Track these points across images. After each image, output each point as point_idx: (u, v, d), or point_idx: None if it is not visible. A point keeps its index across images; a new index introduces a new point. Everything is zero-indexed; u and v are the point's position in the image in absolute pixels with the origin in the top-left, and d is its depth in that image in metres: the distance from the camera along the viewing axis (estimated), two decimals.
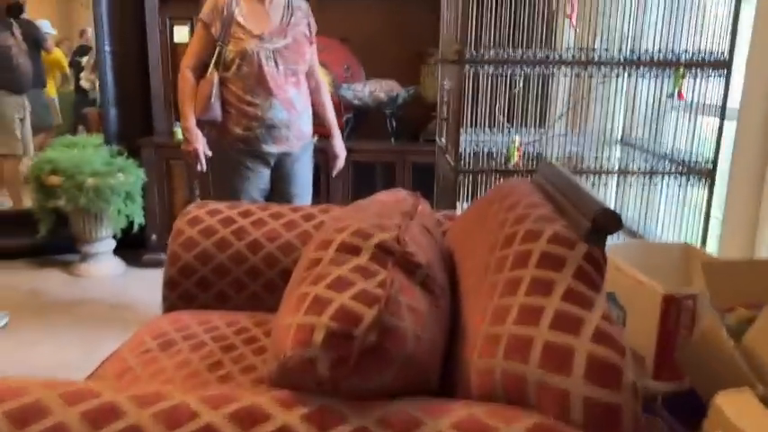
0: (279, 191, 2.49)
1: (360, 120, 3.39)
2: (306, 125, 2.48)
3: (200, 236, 1.65)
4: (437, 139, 2.58)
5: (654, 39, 1.90)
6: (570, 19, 1.99)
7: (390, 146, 3.27)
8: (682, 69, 1.83)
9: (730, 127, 1.77)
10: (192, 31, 3.27)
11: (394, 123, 3.29)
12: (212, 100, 2.29)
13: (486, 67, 1.78)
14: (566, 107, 2.09)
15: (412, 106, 3.35)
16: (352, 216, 1.11)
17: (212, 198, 2.27)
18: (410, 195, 1.50)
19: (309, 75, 2.49)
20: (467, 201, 2.13)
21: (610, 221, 0.91)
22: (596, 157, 2.03)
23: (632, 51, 1.86)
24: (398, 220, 1.08)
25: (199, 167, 2.43)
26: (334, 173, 2.71)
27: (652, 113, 2.03)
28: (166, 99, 3.33)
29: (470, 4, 1.75)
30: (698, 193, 1.88)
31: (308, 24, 2.46)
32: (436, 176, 2.66)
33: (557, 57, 1.78)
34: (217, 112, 2.32)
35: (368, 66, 3.47)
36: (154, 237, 3.33)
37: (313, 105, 2.52)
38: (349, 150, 3.19)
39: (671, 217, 1.90)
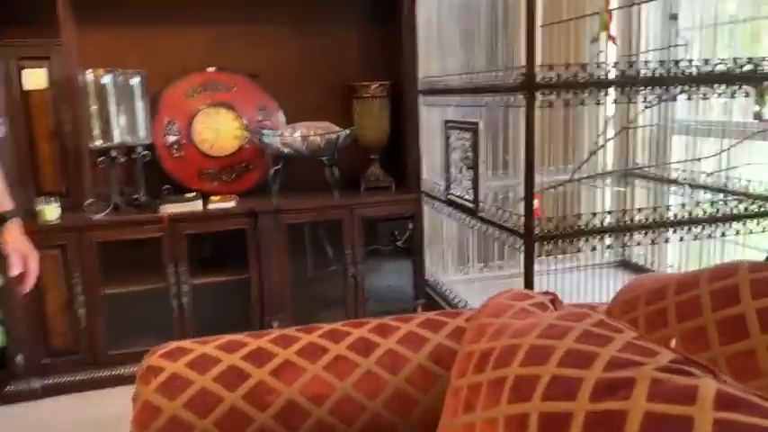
0: None
1: (288, 172, 2.74)
2: None
3: (189, 411, 0.95)
4: (421, 190, 2.05)
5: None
6: (608, 32, 1.58)
7: (334, 200, 2.66)
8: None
9: None
10: (51, 73, 2.43)
11: (335, 172, 2.69)
12: None
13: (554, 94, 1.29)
14: (602, 138, 1.67)
15: (350, 150, 2.79)
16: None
17: None
18: (544, 297, 0.97)
19: None
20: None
21: None
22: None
23: (704, 64, 1.47)
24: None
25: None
26: (27, 288, 1.57)
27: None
28: (21, 166, 2.43)
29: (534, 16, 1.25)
30: None
31: None
32: (426, 232, 2.13)
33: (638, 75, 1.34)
34: None
35: (286, 106, 2.85)
36: (20, 359, 2.38)
37: None
38: (280, 211, 2.56)
39: None
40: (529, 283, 1.36)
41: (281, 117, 2.84)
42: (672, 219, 1.61)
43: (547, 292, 0.99)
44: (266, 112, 2.82)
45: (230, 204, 2.60)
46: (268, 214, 2.56)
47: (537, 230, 1.34)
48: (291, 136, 2.59)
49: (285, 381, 0.99)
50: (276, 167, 2.66)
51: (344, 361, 1.02)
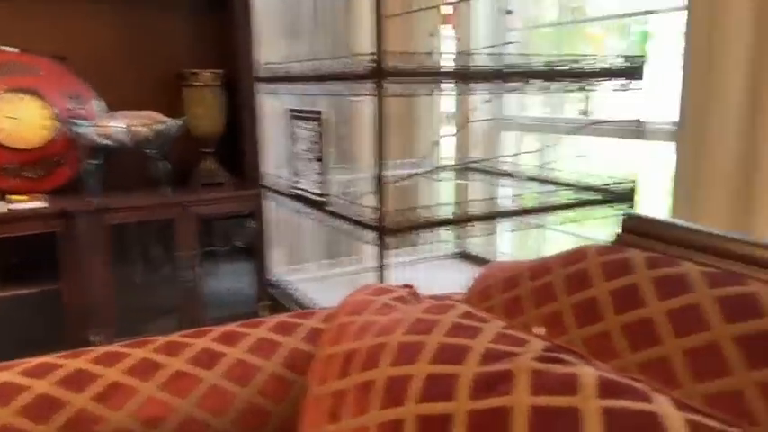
0: None
1: (108, 167, 2.45)
2: None
3: None
4: (262, 185, 1.93)
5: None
6: (452, 25, 1.61)
7: (164, 197, 2.43)
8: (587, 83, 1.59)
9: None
10: None
11: (165, 167, 2.45)
12: None
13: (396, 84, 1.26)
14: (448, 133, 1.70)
15: (181, 143, 2.57)
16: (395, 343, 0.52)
17: None
18: (403, 290, 0.93)
19: None
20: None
21: None
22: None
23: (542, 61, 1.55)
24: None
25: None
26: None
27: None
28: None
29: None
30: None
31: None
32: (268, 229, 2.01)
33: (474, 67, 1.36)
34: None
35: (103, 94, 2.55)
36: None
37: None
38: (100, 211, 2.29)
39: None
40: (382, 277, 1.33)
41: (96, 106, 2.53)
42: (506, 210, 1.67)
43: (405, 285, 0.95)
44: (79, 100, 2.49)
45: (37, 204, 2.26)
46: (85, 215, 2.26)
47: (388, 223, 1.30)
48: (110, 126, 2.31)
49: (112, 406, 0.84)
50: (93, 162, 2.36)
51: (185, 377, 0.89)
